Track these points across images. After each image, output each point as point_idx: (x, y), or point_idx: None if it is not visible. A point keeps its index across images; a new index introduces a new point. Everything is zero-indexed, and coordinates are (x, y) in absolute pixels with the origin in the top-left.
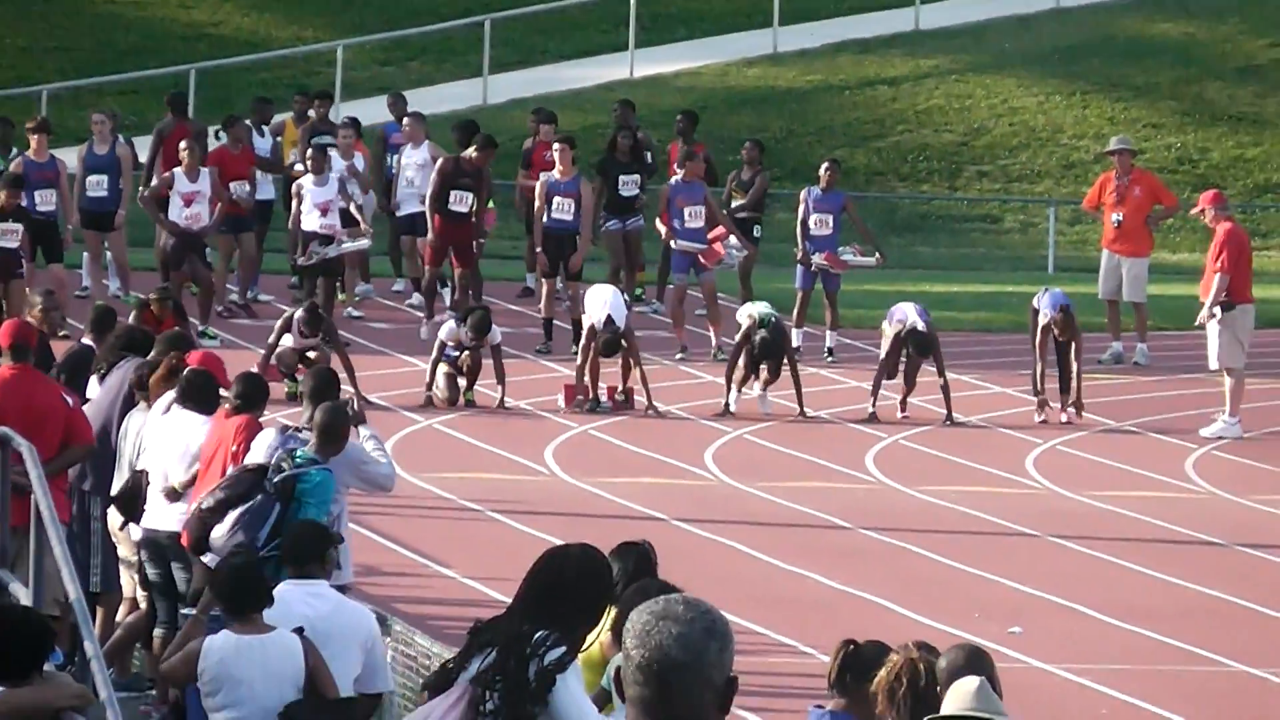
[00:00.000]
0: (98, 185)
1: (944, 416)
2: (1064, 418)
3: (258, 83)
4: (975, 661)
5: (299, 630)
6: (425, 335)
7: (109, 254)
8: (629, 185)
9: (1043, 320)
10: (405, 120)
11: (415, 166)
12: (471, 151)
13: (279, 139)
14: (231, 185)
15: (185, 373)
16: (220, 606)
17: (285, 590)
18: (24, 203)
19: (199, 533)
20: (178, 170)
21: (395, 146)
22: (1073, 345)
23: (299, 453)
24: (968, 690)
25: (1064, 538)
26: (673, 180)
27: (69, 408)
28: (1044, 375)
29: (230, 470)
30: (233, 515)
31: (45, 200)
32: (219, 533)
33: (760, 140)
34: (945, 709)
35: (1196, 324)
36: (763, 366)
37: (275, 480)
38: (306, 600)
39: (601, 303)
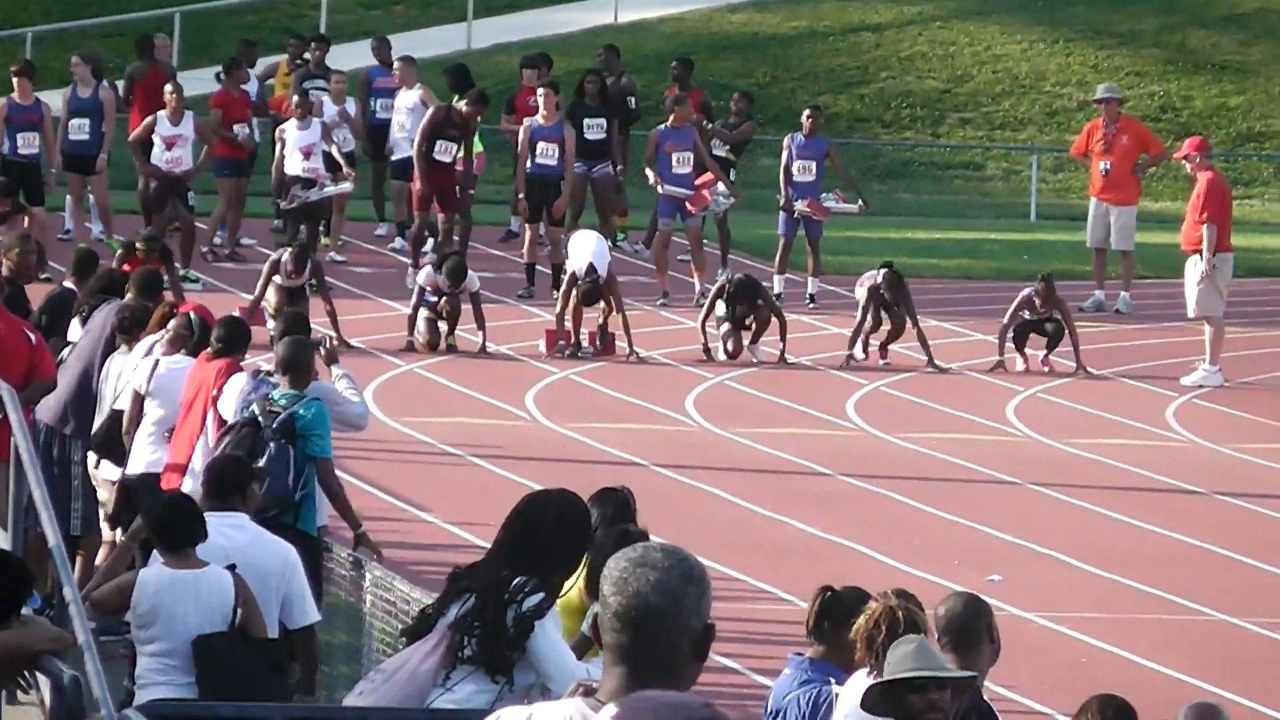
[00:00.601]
0: (80, 129)
1: (925, 362)
2: (1046, 368)
3: (243, 25)
4: (974, 608)
5: (231, 567)
6: (410, 284)
7: (91, 197)
8: (594, 129)
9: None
10: (396, 64)
11: (406, 110)
12: (463, 105)
13: (269, 82)
14: (234, 128)
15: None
16: (155, 540)
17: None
18: (4, 146)
19: None
20: (160, 113)
21: (379, 90)
22: (1062, 312)
23: (274, 395)
24: (906, 651)
25: (1044, 485)
26: (661, 126)
27: (31, 343)
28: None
29: (210, 419)
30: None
31: (28, 143)
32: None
33: (749, 93)
34: (887, 673)
35: (1200, 277)
36: (750, 319)
37: (275, 426)
38: (224, 531)
39: (584, 249)
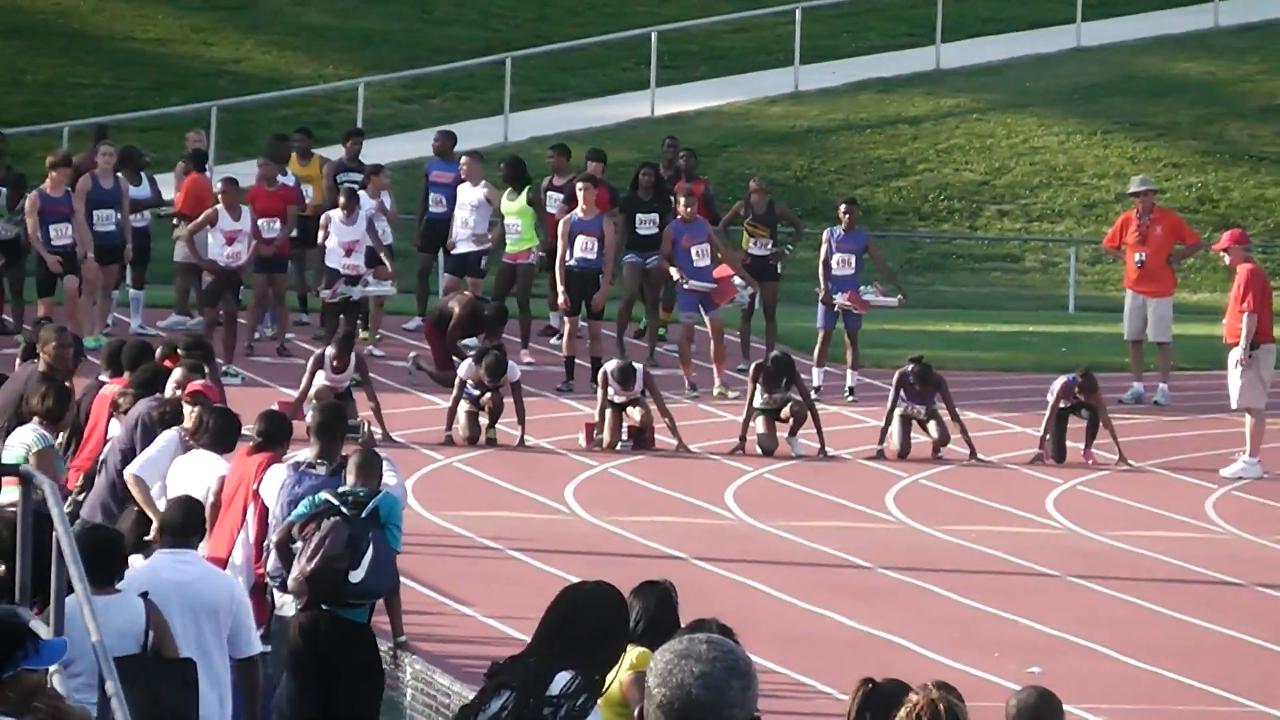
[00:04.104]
0: (106, 220)
1: (967, 455)
2: (1090, 460)
3: (279, 120)
4: (1047, 703)
5: (144, 595)
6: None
7: (131, 290)
8: (647, 224)
9: (1052, 398)
10: (464, 159)
11: (470, 206)
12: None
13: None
14: (261, 223)
15: (207, 413)
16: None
17: (157, 558)
18: (41, 236)
19: (333, 580)
20: (219, 208)
21: (435, 185)
22: (1098, 406)
23: (345, 489)
24: None
25: (1084, 577)
26: (675, 220)
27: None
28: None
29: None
30: (367, 557)
31: (61, 234)
32: (357, 576)
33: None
34: None
35: (1235, 366)
36: (788, 408)
37: (365, 517)
38: (176, 567)
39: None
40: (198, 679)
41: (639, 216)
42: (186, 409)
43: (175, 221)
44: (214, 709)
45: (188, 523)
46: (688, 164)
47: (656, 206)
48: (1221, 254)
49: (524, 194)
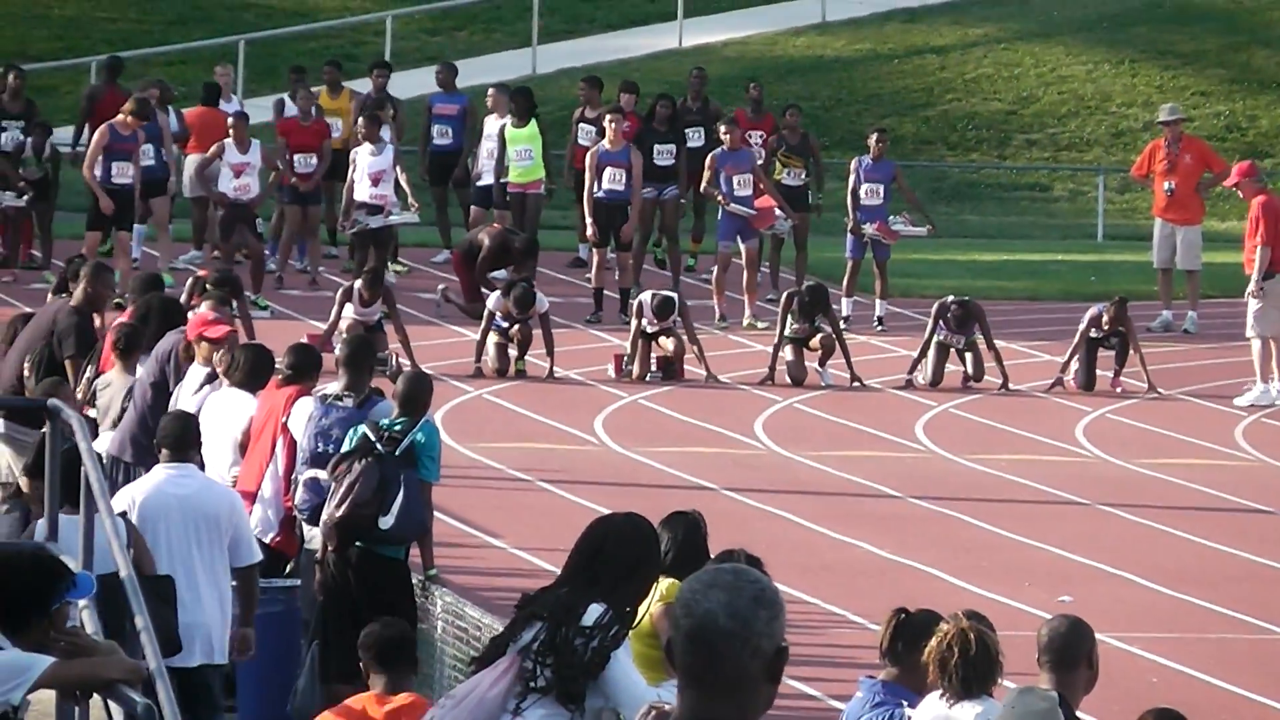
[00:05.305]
0: (146, 155)
1: (999, 384)
2: (1118, 389)
3: (305, 53)
4: (1078, 631)
5: (122, 514)
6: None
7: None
8: (664, 155)
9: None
10: (490, 91)
11: (494, 138)
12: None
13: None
14: (297, 158)
15: (240, 350)
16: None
17: (158, 472)
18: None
19: (362, 526)
20: (228, 141)
21: (439, 117)
22: (1128, 334)
23: (385, 423)
24: (1038, 710)
25: (1113, 505)
26: (719, 149)
27: None
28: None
29: (280, 446)
30: (397, 503)
31: (122, 173)
32: (387, 522)
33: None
34: (1009, 718)
35: (1247, 295)
36: (817, 339)
37: (399, 454)
38: (177, 480)
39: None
40: (175, 595)
41: (656, 147)
42: (198, 348)
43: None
44: (215, 614)
45: (184, 438)
46: (758, 95)
47: (672, 138)
48: (1235, 189)
49: (533, 122)
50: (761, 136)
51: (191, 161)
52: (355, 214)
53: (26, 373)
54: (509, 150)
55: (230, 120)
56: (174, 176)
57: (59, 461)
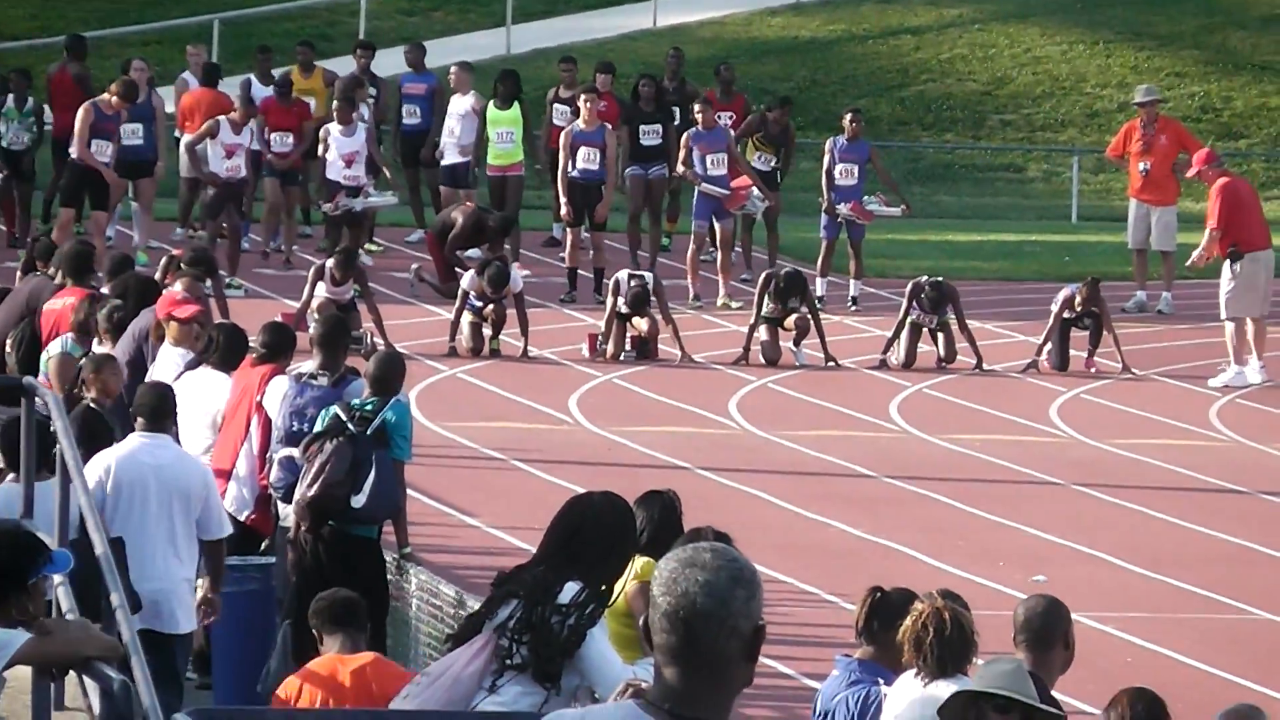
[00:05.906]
0: (133, 134)
1: (973, 364)
2: (1093, 369)
3: (281, 33)
4: (1055, 611)
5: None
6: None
7: (134, 203)
8: (650, 135)
9: (1056, 307)
10: (452, 70)
11: (457, 116)
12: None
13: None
14: (274, 137)
15: (215, 330)
16: (6, 460)
17: (133, 440)
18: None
19: (334, 506)
20: (223, 119)
21: (409, 96)
22: (1102, 315)
23: (356, 403)
24: (1004, 670)
25: (1088, 486)
26: (692, 129)
27: None
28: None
29: (254, 424)
30: (369, 482)
31: (100, 151)
32: (359, 501)
33: (788, 97)
34: (976, 684)
35: (1187, 265)
36: (791, 319)
37: (370, 434)
38: (151, 450)
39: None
40: (125, 557)
41: (642, 128)
42: (167, 328)
43: (178, 135)
44: (181, 584)
45: (160, 408)
46: (729, 77)
47: (659, 117)
48: (1196, 177)
49: (516, 105)
50: (731, 118)
51: (188, 142)
52: (339, 198)
53: (8, 349)
54: (489, 132)
55: (236, 99)
56: (162, 161)
57: (34, 436)
